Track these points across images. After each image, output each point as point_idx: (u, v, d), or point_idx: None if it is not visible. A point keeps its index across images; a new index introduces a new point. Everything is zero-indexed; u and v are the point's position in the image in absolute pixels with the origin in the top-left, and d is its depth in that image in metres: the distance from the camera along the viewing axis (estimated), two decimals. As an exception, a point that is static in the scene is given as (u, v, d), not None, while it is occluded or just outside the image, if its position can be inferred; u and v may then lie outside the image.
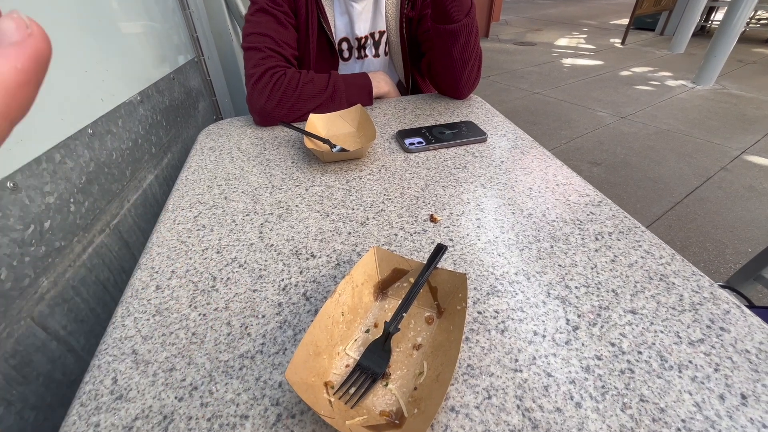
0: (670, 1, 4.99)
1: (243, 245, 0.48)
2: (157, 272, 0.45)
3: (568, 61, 4.34)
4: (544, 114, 2.99)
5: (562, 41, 5.28)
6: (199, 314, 0.39)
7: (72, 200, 0.53)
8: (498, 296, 0.39)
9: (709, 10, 5.00)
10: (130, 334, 0.38)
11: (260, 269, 0.44)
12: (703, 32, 5.18)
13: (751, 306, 0.68)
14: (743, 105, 3.01)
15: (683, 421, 0.28)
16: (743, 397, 0.30)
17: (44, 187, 0.48)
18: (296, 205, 0.55)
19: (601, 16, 7.08)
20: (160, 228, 0.52)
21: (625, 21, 5.20)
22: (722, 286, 0.78)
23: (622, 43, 4.97)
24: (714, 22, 5.10)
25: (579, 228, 0.48)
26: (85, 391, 0.33)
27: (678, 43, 4.48)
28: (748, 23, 4.67)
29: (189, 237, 0.50)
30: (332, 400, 0.30)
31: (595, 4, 8.80)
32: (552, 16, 7.23)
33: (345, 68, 0.92)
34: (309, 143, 0.65)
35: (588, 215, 0.50)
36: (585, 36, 5.57)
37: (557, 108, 3.09)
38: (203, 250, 0.48)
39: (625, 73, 3.90)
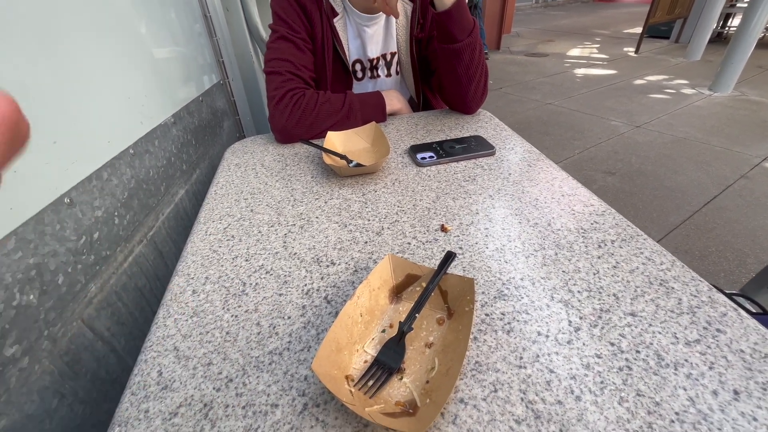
0: (684, 8, 4.96)
1: (269, 254, 0.53)
2: (192, 278, 0.50)
3: (580, 72, 4.35)
4: (556, 124, 2.99)
5: (575, 51, 5.29)
6: (232, 315, 0.44)
7: (116, 214, 0.58)
8: (504, 300, 0.42)
9: (726, 17, 4.95)
10: (171, 333, 0.42)
11: (285, 275, 0.49)
12: (719, 39, 5.11)
13: (765, 313, 0.68)
14: (764, 111, 2.95)
15: (677, 413, 0.31)
16: (736, 392, 0.32)
17: (94, 202, 0.54)
18: (316, 217, 0.59)
19: (613, 26, 7.07)
20: (194, 239, 0.57)
21: (639, 29, 5.19)
22: (736, 294, 0.78)
23: (636, 51, 4.95)
24: (731, 28, 5.03)
25: (583, 236, 0.50)
26: (135, 382, 0.37)
27: (694, 51, 4.43)
28: (767, 28, 4.59)
29: (220, 246, 0.55)
30: (353, 390, 0.34)
31: (607, 13, 8.79)
32: (564, 27, 7.26)
33: (359, 87, 0.98)
34: (327, 159, 0.70)
35: (592, 224, 0.52)
36: (598, 46, 5.57)
37: (570, 118, 3.09)
38: (233, 258, 0.52)
39: (639, 81, 3.88)
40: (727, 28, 5.11)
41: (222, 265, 0.51)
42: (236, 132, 1.18)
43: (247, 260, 0.52)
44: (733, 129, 2.70)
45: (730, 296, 0.79)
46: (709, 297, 0.40)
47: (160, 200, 0.71)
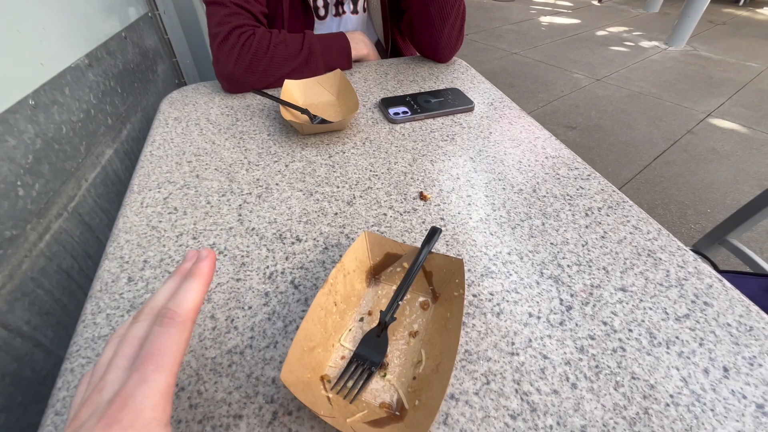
0: (648, -44, 4.88)
1: (221, 229, 0.45)
2: (127, 262, 0.41)
3: (546, 20, 4.24)
4: (522, 76, 2.94)
5: (541, -3, 5.13)
6: (180, 308, 0.37)
7: (19, 183, 0.47)
8: (492, 278, 0.39)
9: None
10: (103, 333, 0.35)
11: (242, 256, 0.42)
12: (677, -10, 5.15)
13: (716, 271, 0.72)
14: (711, 67, 3.08)
15: (671, 396, 0.30)
16: (725, 369, 0.31)
17: (-17, 171, 0.42)
18: (276, 184, 0.51)
19: (579, -29, 6.87)
20: (126, 212, 0.47)
21: (604, -23, 5.08)
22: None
23: (600, 0, 4.89)
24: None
25: (569, 204, 0.47)
26: (59, 398, 0.31)
27: (653, 2, 4.45)
28: (720, -18, 4.67)
29: (160, 222, 0.46)
30: (330, 396, 0.29)
31: (574, -43, 8.49)
32: (531, -31, 6.95)
33: (321, 27, 0.85)
34: (286, 114, 0.60)
35: (577, 190, 0.49)
36: (563, -8, 5.43)
37: (535, 69, 3.05)
38: (177, 236, 0.44)
39: (601, 33, 3.87)
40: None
41: (164, 245, 0.43)
42: (174, 78, 1.01)
43: (194, 238, 0.44)
44: (683, 84, 2.80)
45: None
46: (695, 268, 0.39)
47: (81, 163, 0.59)
